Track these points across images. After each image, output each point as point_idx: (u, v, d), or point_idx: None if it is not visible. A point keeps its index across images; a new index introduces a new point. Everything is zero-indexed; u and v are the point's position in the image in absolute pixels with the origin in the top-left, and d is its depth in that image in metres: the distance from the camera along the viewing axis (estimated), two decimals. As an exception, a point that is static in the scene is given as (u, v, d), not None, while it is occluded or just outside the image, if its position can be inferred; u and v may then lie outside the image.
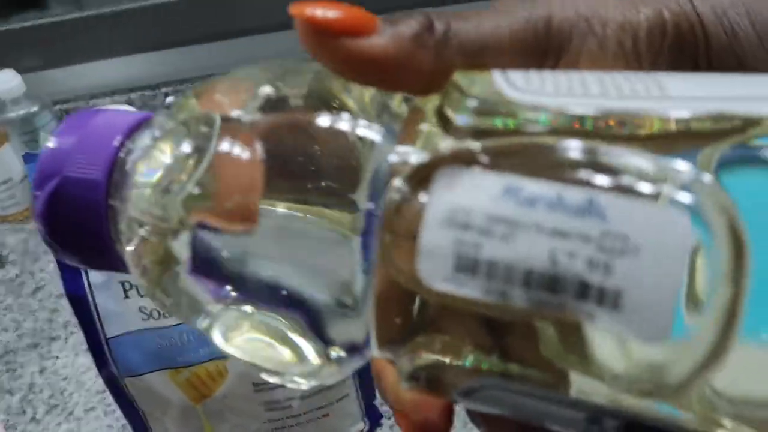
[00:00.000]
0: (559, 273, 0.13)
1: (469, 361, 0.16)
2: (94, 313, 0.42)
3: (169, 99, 0.73)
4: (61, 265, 0.42)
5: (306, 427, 0.47)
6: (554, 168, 0.14)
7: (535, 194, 0.13)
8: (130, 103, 0.83)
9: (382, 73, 0.16)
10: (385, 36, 0.16)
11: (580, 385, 0.15)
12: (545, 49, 0.17)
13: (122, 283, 0.42)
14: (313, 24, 0.16)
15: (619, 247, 0.13)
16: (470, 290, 0.14)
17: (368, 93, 0.18)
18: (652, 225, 0.13)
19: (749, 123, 0.13)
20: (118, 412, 0.48)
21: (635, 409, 0.14)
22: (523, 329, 0.15)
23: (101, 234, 0.18)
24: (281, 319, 0.17)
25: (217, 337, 0.18)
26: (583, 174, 0.13)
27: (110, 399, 0.47)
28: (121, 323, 0.42)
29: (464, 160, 0.14)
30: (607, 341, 0.14)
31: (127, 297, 0.42)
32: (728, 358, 0.13)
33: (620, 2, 0.17)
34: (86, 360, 0.59)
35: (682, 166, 0.13)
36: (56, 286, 0.67)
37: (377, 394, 0.51)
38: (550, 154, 0.14)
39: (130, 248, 0.18)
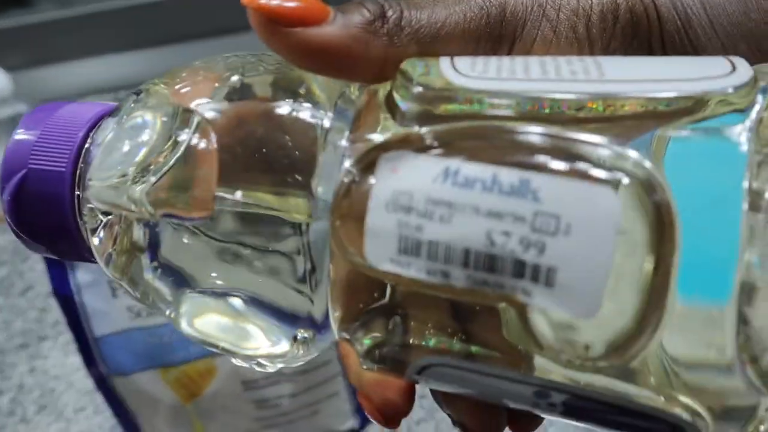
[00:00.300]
0: (496, 252, 0.14)
1: (430, 341, 0.16)
2: (82, 313, 0.42)
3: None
4: (48, 264, 0.42)
5: (296, 425, 0.47)
6: (490, 150, 0.14)
7: (472, 176, 0.14)
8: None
9: (334, 61, 0.16)
10: (337, 25, 0.16)
11: (540, 364, 0.15)
12: (499, 35, 0.17)
13: (110, 282, 0.41)
14: (265, 13, 0.16)
15: (552, 226, 0.13)
16: (414, 271, 0.14)
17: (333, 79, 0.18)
18: (581, 205, 0.13)
19: (699, 104, 0.14)
20: (108, 412, 0.48)
21: (593, 386, 0.15)
22: (485, 312, 0.15)
23: (68, 225, 0.18)
24: (245, 301, 0.17)
25: (182, 323, 0.19)
26: (517, 156, 0.14)
27: (100, 399, 0.47)
28: (110, 322, 0.42)
29: (409, 144, 0.15)
30: (542, 319, 0.14)
31: (115, 296, 0.42)
32: (661, 324, 0.13)
33: None
34: (76, 360, 0.59)
35: (609, 147, 0.14)
36: (45, 285, 0.67)
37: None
38: (486, 138, 0.14)
39: (95, 238, 0.19)
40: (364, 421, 0.51)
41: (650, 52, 0.18)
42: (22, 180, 0.18)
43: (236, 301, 0.18)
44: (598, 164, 0.14)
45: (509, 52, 0.17)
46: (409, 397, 0.17)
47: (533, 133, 0.14)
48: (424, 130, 0.15)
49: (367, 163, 0.15)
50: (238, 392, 0.45)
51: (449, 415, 0.19)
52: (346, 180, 0.15)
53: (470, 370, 0.16)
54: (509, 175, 0.14)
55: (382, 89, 0.16)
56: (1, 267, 0.72)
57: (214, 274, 0.17)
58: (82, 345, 0.43)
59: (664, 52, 0.17)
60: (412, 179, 0.14)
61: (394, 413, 0.17)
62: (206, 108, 0.17)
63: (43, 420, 0.55)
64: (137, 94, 0.19)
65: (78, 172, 0.18)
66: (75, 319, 0.42)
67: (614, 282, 0.13)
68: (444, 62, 0.16)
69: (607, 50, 0.17)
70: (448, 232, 0.14)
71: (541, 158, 0.14)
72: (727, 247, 0.13)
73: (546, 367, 0.15)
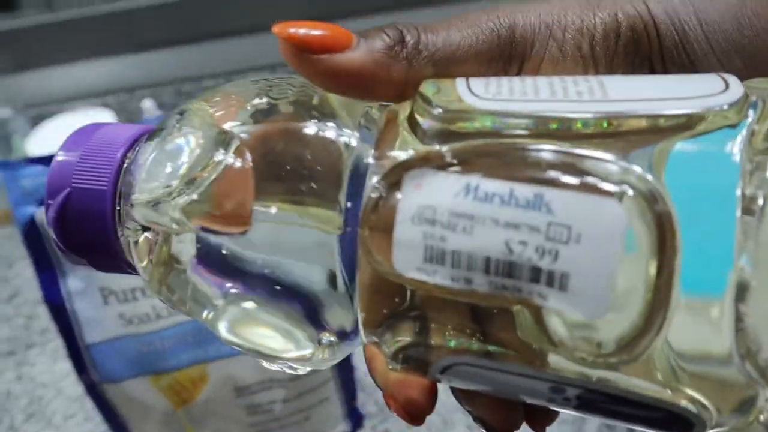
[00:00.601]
0: (514, 260, 0.15)
1: (451, 342, 0.17)
2: (73, 320, 0.42)
3: (147, 102, 0.72)
4: (38, 271, 0.41)
5: (288, 430, 0.48)
6: (507, 167, 0.16)
7: (491, 191, 0.15)
8: (106, 106, 0.82)
9: (358, 84, 0.18)
10: (360, 50, 0.17)
11: (554, 362, 0.16)
12: (509, 55, 0.18)
13: (101, 290, 0.41)
14: (294, 42, 0.17)
15: (564, 236, 0.15)
16: (439, 278, 0.16)
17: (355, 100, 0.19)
18: (590, 216, 0.15)
19: (695, 120, 0.15)
20: (98, 419, 0.48)
21: (605, 382, 0.16)
22: (501, 314, 0.17)
23: (109, 240, 0.20)
24: (278, 309, 0.19)
25: (220, 327, 0.20)
26: (531, 172, 0.15)
27: (90, 405, 0.47)
28: (101, 330, 0.42)
29: (431, 162, 0.16)
30: (557, 319, 0.16)
31: (106, 303, 0.42)
32: (666, 322, 0.15)
33: (579, 7, 0.19)
34: (64, 366, 0.58)
35: (614, 161, 0.15)
36: (32, 292, 0.66)
37: (358, 396, 0.51)
38: (502, 155, 0.16)
39: (135, 251, 0.20)
40: (356, 426, 0.51)
41: (651, 67, 0.18)
42: (66, 198, 0.20)
43: (269, 308, 0.19)
44: (604, 178, 0.15)
45: (519, 71, 0.18)
46: (432, 396, 0.18)
47: (545, 150, 0.15)
48: (444, 148, 0.16)
49: (393, 179, 0.16)
50: (230, 398, 0.45)
51: (469, 412, 0.20)
52: (373, 195, 0.16)
53: (489, 368, 0.17)
54: (524, 190, 0.15)
55: (402, 108, 0.18)
56: (-13, 273, 0.71)
57: (249, 283, 0.18)
58: (72, 352, 0.43)
59: (664, 66, 0.18)
60: (436, 194, 0.15)
61: (418, 411, 0.18)
62: (239, 129, 0.18)
63: (31, 428, 0.55)
64: (181, 114, 0.20)
65: (118, 189, 0.20)
66: (66, 326, 0.42)
67: (622, 285, 0.15)
68: (460, 84, 0.17)
69: (611, 66, 0.18)
70: (470, 242, 0.15)
71: (553, 174, 0.15)
72: (723, 250, 0.14)
73: (560, 365, 0.16)
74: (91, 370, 0.43)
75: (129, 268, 0.21)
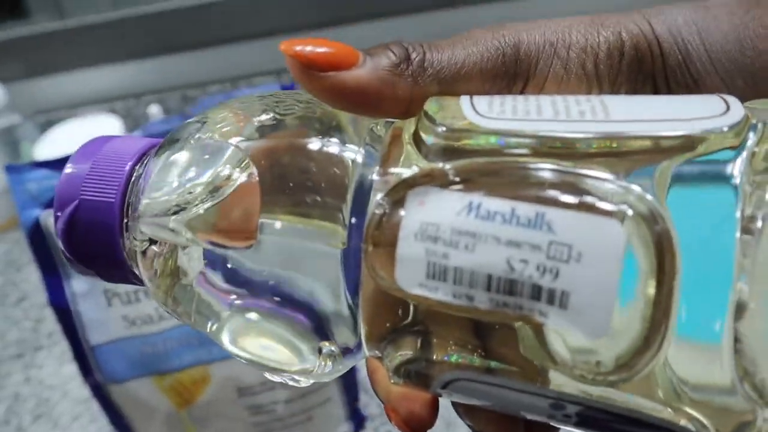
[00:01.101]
0: (515, 277, 0.15)
1: (452, 357, 0.17)
2: (78, 322, 0.42)
3: (153, 107, 0.73)
4: (44, 275, 0.42)
5: (291, 431, 0.48)
6: (509, 186, 0.16)
7: (493, 210, 0.15)
8: (113, 112, 0.83)
9: (364, 101, 0.18)
10: (366, 68, 0.17)
11: (555, 378, 0.16)
12: (514, 73, 0.18)
13: (105, 292, 0.42)
14: (301, 60, 0.17)
15: (565, 254, 0.15)
16: (441, 294, 0.16)
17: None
18: (590, 235, 0.15)
19: (696, 141, 0.15)
20: (104, 420, 0.48)
21: (605, 399, 0.16)
22: (503, 330, 0.17)
23: (116, 251, 0.20)
24: (282, 321, 0.19)
25: (224, 339, 0.20)
26: (533, 191, 0.15)
27: (96, 407, 0.47)
28: (105, 331, 0.43)
29: (434, 180, 0.16)
30: (557, 336, 0.16)
31: (110, 305, 0.42)
32: (665, 341, 0.15)
33: (584, 26, 0.19)
34: (71, 369, 0.59)
35: (615, 182, 0.15)
36: (40, 295, 0.67)
37: (360, 397, 0.51)
38: (505, 174, 0.16)
39: (142, 263, 0.20)
40: (358, 427, 0.51)
41: (654, 85, 0.19)
42: (74, 210, 0.20)
43: (274, 320, 0.19)
44: (605, 198, 0.15)
45: (523, 89, 0.19)
46: (433, 410, 0.18)
47: (546, 169, 0.16)
48: (447, 166, 0.16)
49: (397, 196, 0.16)
50: (232, 399, 0.46)
51: (470, 426, 0.20)
52: (377, 212, 0.16)
53: (491, 384, 0.17)
54: (526, 209, 0.15)
55: (407, 125, 0.18)
56: (-4, 277, 0.72)
57: (254, 295, 0.19)
58: (78, 354, 0.43)
59: (668, 85, 0.19)
60: (438, 212, 0.16)
61: (419, 425, 0.18)
62: (246, 144, 0.19)
63: (38, 429, 0.56)
64: (188, 128, 0.20)
65: (126, 201, 0.20)
66: (71, 328, 0.43)
67: (622, 304, 0.15)
68: (464, 102, 0.17)
69: (615, 84, 0.18)
70: (472, 260, 0.15)
71: (554, 193, 0.15)
72: (723, 271, 0.14)
73: (561, 381, 0.16)
74: (95, 372, 0.44)
75: (135, 280, 0.21)
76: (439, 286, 0.16)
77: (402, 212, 0.16)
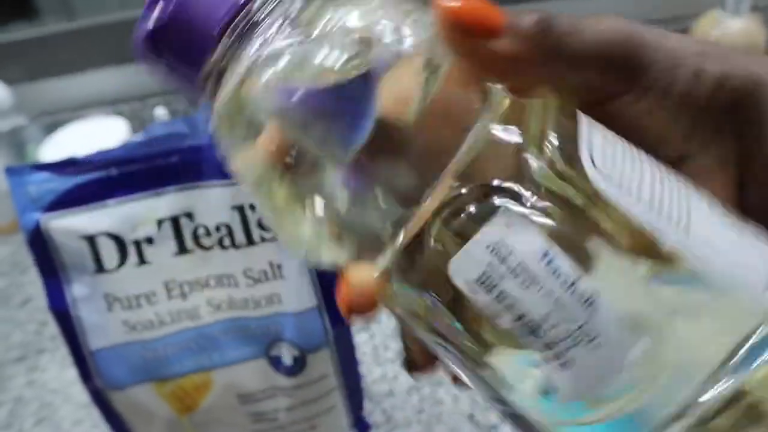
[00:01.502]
0: (543, 327, 0.17)
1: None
2: (78, 327, 0.42)
3: (159, 109, 0.73)
4: (43, 278, 0.42)
5: (294, 439, 0.47)
6: (585, 253, 0.17)
7: (561, 269, 0.17)
8: (118, 114, 0.83)
9: (504, 70, 0.19)
10: (509, 37, 0.19)
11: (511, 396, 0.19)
12: (626, 72, 0.19)
13: (105, 296, 0.41)
14: (453, 18, 0.18)
15: (590, 336, 0.17)
16: (479, 299, 0.17)
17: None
18: (618, 341, 0.17)
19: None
20: (105, 426, 0.48)
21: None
22: (504, 339, 0.18)
23: (199, 62, 0.20)
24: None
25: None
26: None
27: (97, 412, 0.47)
28: (105, 336, 0.42)
29: (528, 208, 0.17)
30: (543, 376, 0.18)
31: (110, 310, 0.42)
32: None
33: (719, 56, 0.19)
34: (74, 373, 0.58)
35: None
36: (45, 298, 0.67)
37: (365, 406, 0.51)
38: (590, 240, 0.17)
39: (219, 97, 0.20)
40: (362, 435, 0.51)
41: (741, 134, 0.19)
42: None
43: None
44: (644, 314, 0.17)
45: (628, 89, 0.19)
46: (374, 307, 0.20)
47: (620, 260, 0.17)
48: (547, 205, 0.17)
49: (491, 204, 0.17)
50: (234, 405, 0.45)
51: (405, 349, 0.23)
52: (471, 209, 0.18)
53: (448, 343, 0.19)
54: (587, 286, 0.17)
55: (533, 120, 0.18)
56: (0, 279, 0.72)
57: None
58: (77, 359, 0.43)
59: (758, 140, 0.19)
60: (518, 241, 0.17)
61: (359, 308, 0.19)
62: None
63: (40, 433, 0.55)
64: None
65: (231, 22, 0.19)
66: (71, 332, 0.42)
67: (605, 391, 0.17)
68: (583, 143, 0.18)
69: (711, 120, 0.19)
70: (521, 295, 0.17)
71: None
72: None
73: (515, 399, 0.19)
74: (95, 377, 0.43)
75: (201, 96, 0.20)
76: (481, 293, 0.17)
77: (488, 223, 0.17)
